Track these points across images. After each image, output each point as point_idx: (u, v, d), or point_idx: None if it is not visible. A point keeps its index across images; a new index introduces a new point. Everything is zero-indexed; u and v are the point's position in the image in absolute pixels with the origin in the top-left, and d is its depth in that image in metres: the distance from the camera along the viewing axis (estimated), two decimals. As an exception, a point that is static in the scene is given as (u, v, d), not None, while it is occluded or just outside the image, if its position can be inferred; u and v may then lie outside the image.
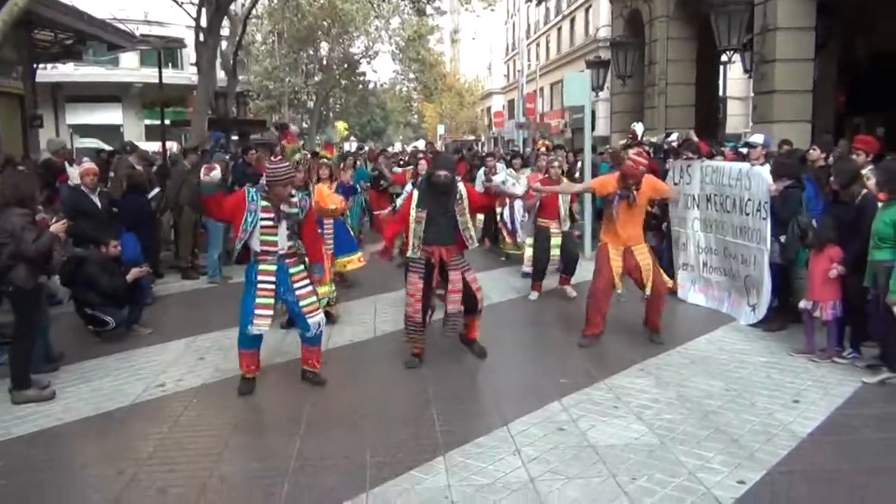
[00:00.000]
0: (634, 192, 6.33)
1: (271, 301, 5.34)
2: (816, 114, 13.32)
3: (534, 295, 8.70)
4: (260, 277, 5.29)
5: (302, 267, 5.51)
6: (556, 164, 8.85)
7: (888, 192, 5.35)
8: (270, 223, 5.27)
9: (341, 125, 12.23)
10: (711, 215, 7.97)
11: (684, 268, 8.43)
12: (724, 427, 4.67)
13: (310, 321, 5.42)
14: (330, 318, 6.97)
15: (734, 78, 23.19)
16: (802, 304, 6.13)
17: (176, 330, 7.21)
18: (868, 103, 15.62)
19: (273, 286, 5.32)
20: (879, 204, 5.54)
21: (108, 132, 27.94)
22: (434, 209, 5.82)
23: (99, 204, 7.59)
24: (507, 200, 9.82)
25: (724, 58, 14.33)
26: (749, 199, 7.25)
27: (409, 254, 5.95)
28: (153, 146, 19.27)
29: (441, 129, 48.61)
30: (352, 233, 8.96)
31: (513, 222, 10.57)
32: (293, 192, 5.48)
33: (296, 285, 5.40)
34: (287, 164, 5.56)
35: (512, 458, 4.27)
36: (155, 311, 8.03)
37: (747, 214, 7.26)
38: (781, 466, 4.12)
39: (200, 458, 4.37)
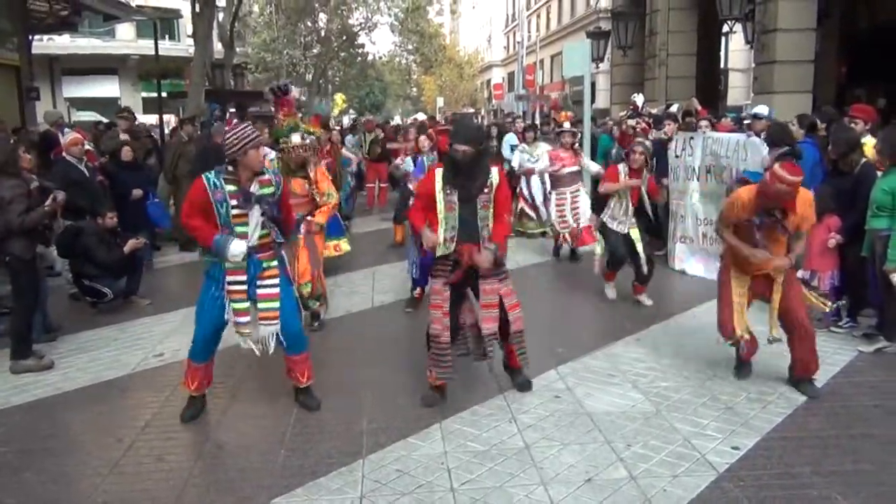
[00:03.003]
0: (783, 222, 4.48)
1: (247, 305, 4.36)
2: (818, 85, 13.24)
3: (611, 291, 7.13)
4: (229, 278, 4.30)
5: (276, 263, 4.44)
6: (638, 150, 6.79)
7: (888, 160, 5.32)
8: (239, 210, 4.22)
9: (340, 98, 12.12)
10: (710, 186, 7.95)
11: (683, 240, 8.42)
12: (720, 395, 4.70)
13: (262, 329, 4.40)
14: (316, 320, 6.31)
15: (736, 49, 23.05)
16: (800, 273, 6.12)
17: (174, 301, 7.21)
18: (869, 74, 15.52)
19: (244, 286, 4.33)
20: (878, 173, 5.52)
21: (106, 105, 27.69)
22: (461, 195, 4.45)
23: (87, 173, 7.52)
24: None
25: (725, 28, 14.24)
26: (745, 170, 7.24)
27: (438, 251, 4.53)
28: (150, 118, 19.15)
29: (440, 102, 48.31)
30: (338, 215, 7.90)
31: (532, 198, 9.84)
32: (264, 164, 4.44)
33: (260, 282, 4.35)
34: (247, 124, 4.52)
35: (508, 426, 4.30)
36: (153, 282, 8.04)
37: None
38: (775, 433, 4.15)
39: (198, 425, 4.40)
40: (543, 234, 9.85)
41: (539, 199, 9.78)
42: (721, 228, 4.79)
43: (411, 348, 5.63)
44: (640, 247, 6.79)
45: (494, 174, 4.49)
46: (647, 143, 7.17)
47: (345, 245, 7.74)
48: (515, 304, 4.62)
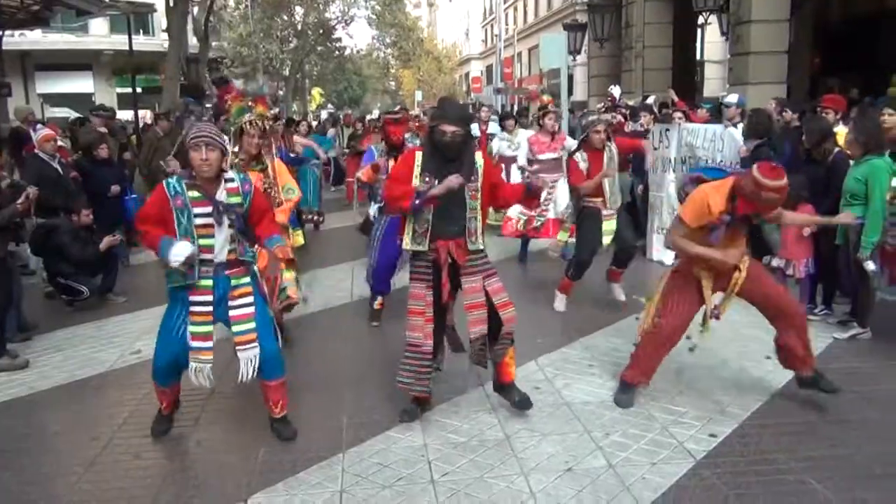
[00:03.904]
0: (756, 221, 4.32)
1: (210, 329, 3.92)
2: (791, 75, 13.36)
3: (560, 303, 6.45)
4: (193, 298, 3.85)
5: (248, 279, 3.98)
6: (599, 127, 6.19)
7: (860, 149, 5.39)
8: (205, 221, 3.79)
9: (317, 92, 12.05)
10: (687, 177, 8.00)
11: (660, 232, 8.47)
12: (697, 383, 4.74)
13: (240, 355, 3.93)
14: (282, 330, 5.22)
15: (711, 41, 23.12)
16: (775, 262, 6.19)
17: (150, 298, 7.11)
18: (843, 65, 15.69)
19: (210, 307, 3.88)
20: (851, 162, 5.59)
21: (80, 101, 27.37)
22: (441, 181, 3.93)
23: (61, 170, 7.43)
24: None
25: (700, 20, 14.32)
26: (721, 161, 7.29)
27: (408, 246, 4.11)
28: (126, 114, 18.95)
29: (419, 96, 48.22)
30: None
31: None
32: (229, 172, 3.95)
33: (232, 302, 3.91)
34: (200, 124, 4.03)
35: (488, 417, 4.31)
36: (129, 279, 7.97)
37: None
38: (752, 420, 4.20)
39: (177, 422, 4.35)
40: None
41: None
42: (676, 238, 4.24)
43: (391, 342, 5.62)
44: (608, 239, 6.32)
45: (479, 158, 4.08)
46: (606, 116, 6.80)
47: (298, 238, 6.93)
48: (508, 303, 4.13)
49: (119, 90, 30.24)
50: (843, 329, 5.64)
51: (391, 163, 5.78)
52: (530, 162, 8.19)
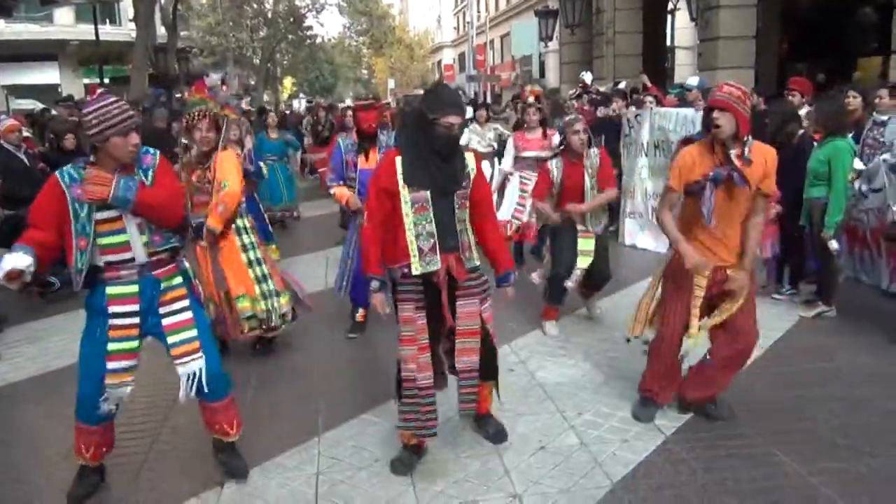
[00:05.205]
0: (738, 171, 3.56)
1: (135, 344, 3.29)
2: (760, 60, 13.53)
3: (552, 328, 5.62)
4: (114, 308, 3.22)
5: (180, 279, 3.38)
6: (578, 127, 5.26)
7: (823, 130, 5.50)
8: (110, 214, 3.14)
9: (288, 81, 11.97)
10: (659, 162, 8.11)
11: (632, 216, 8.59)
12: (668, 362, 4.83)
13: (180, 370, 3.33)
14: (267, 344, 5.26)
15: (681, 27, 23.30)
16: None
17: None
18: (810, 50, 15.90)
19: (136, 319, 3.27)
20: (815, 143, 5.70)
21: (46, 92, 26.90)
22: (435, 189, 3.32)
23: (27, 161, 7.33)
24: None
25: (669, 5, 14.41)
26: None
27: (417, 270, 3.35)
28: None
29: (392, 84, 48.05)
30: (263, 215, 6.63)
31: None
32: (134, 155, 3.17)
33: (164, 309, 3.32)
34: (115, 98, 3.19)
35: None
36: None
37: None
38: (721, 397, 4.29)
39: (152, 410, 4.37)
40: None
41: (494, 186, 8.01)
42: (662, 213, 3.80)
43: (366, 328, 5.66)
44: (587, 262, 5.41)
45: (470, 160, 3.43)
46: (575, 115, 5.90)
47: (273, 253, 6.18)
48: (494, 333, 3.61)
49: (86, 81, 29.73)
50: (808, 308, 5.77)
51: (360, 158, 5.29)
52: (517, 160, 7.22)
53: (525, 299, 6.43)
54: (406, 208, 3.30)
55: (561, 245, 5.48)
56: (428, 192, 3.29)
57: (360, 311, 5.70)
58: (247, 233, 4.96)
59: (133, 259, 3.22)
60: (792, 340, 5.23)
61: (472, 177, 3.41)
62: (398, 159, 3.34)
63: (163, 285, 3.31)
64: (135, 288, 3.24)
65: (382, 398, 4.37)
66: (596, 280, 5.64)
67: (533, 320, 5.76)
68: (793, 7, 16.56)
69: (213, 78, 6.77)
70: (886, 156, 5.77)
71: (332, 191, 5.44)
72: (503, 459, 3.62)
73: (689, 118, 7.69)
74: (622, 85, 11.98)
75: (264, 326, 4.94)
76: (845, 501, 3.20)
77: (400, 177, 3.30)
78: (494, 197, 6.29)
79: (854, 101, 6.42)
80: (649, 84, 10.67)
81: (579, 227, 5.42)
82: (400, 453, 3.63)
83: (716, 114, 3.53)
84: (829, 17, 14.83)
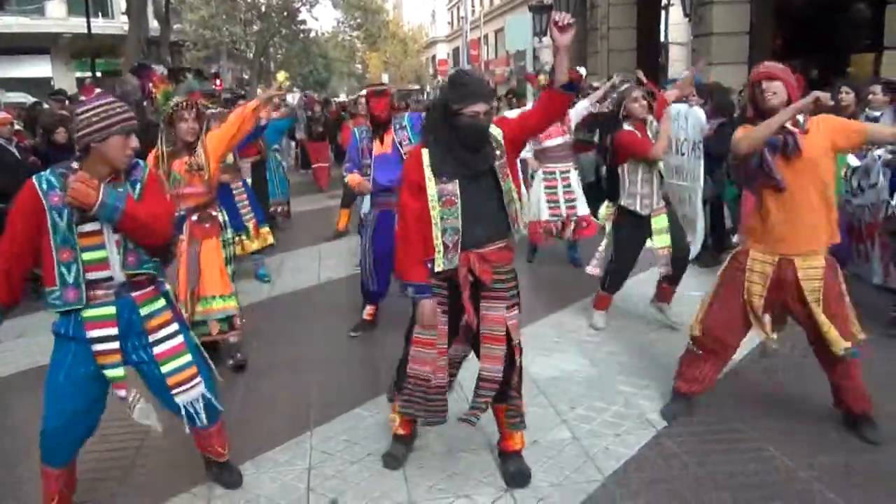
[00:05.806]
0: (793, 135, 3.40)
1: (123, 372, 3.00)
2: (753, 56, 13.52)
3: (600, 319, 5.50)
4: (92, 333, 2.92)
5: (163, 302, 3.09)
6: (636, 94, 5.50)
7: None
8: (91, 227, 2.86)
9: (282, 75, 11.92)
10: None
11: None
12: (660, 357, 4.83)
13: (177, 399, 3.11)
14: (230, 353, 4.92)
15: (675, 23, 23.32)
16: (736, 238, 6.31)
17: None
18: (804, 46, 15.92)
19: (115, 344, 2.95)
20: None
21: (38, 85, 26.75)
22: (465, 178, 3.15)
23: (19, 154, 7.28)
24: None
25: (664, 1, 14.42)
26: (685, 139, 7.36)
27: (440, 267, 3.15)
28: (86, 99, 18.58)
29: (385, 78, 47.94)
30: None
31: None
32: (129, 161, 2.95)
33: (153, 337, 3.05)
34: (111, 99, 2.98)
35: (454, 393, 4.33)
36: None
37: (683, 154, 7.38)
38: (713, 392, 4.27)
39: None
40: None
41: None
42: (740, 138, 3.51)
43: (371, 327, 5.64)
44: (666, 239, 5.23)
45: (495, 131, 3.22)
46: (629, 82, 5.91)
47: (268, 237, 6.92)
48: (519, 347, 3.34)
49: (79, 74, 29.57)
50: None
51: (375, 144, 5.27)
52: (536, 153, 7.02)
53: (521, 294, 6.44)
54: (433, 202, 3.12)
55: (626, 235, 5.32)
56: (457, 185, 3.12)
57: (368, 309, 5.54)
58: (225, 229, 4.83)
59: (111, 278, 2.92)
60: (784, 334, 5.23)
61: (501, 142, 3.20)
62: (424, 151, 3.20)
63: (143, 311, 3.01)
64: (112, 310, 2.93)
65: (375, 393, 4.38)
66: (679, 255, 5.26)
67: (526, 314, 5.73)
68: (786, 3, 16.57)
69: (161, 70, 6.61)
70: (881, 151, 5.77)
71: (345, 178, 5.48)
72: (495, 454, 3.62)
73: (680, 113, 7.66)
74: (616, 80, 11.94)
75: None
76: (837, 496, 3.21)
77: (427, 169, 3.14)
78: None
79: (847, 96, 6.41)
80: (644, 80, 10.63)
81: (654, 206, 5.27)
82: (391, 447, 3.60)
83: (765, 84, 3.48)
84: (822, 13, 14.84)
